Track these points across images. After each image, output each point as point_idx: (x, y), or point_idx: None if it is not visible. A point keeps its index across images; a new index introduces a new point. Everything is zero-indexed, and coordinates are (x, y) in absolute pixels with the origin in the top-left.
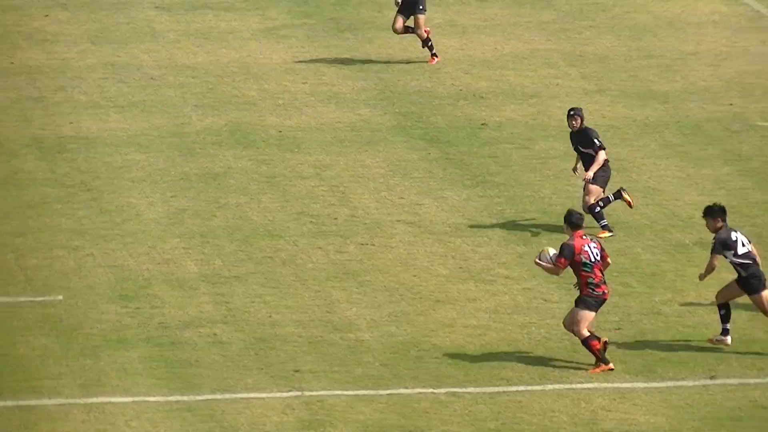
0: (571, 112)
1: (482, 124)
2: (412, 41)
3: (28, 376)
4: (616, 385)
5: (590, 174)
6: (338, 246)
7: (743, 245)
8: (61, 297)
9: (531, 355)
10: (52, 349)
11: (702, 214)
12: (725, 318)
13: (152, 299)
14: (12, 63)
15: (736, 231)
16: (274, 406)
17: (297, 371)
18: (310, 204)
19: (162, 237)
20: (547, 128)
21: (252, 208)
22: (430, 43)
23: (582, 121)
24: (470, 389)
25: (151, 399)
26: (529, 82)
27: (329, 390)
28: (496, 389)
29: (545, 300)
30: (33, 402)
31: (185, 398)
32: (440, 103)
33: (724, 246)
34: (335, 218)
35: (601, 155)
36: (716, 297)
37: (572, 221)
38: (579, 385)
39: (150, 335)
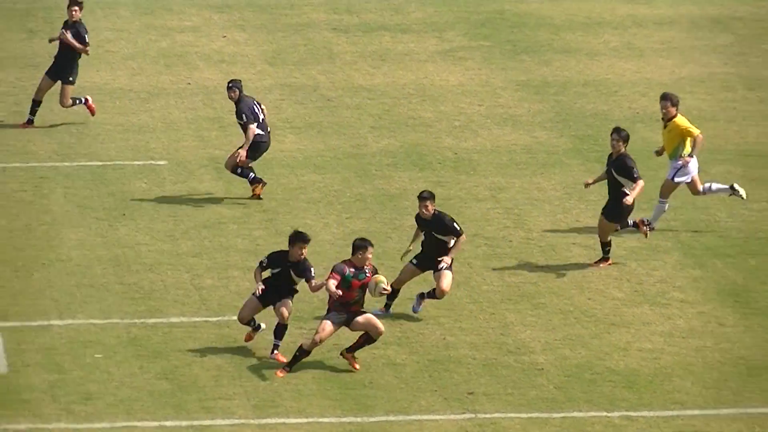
0: (229, 84)
1: (658, 151)
2: (590, 64)
3: (202, 396)
4: None
5: (242, 152)
6: (513, 268)
7: None
8: (236, 317)
9: (705, 378)
10: (226, 369)
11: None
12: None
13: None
14: (189, 84)
15: None
16: (448, 428)
17: (471, 393)
18: (485, 226)
19: (337, 258)
20: (724, 152)
21: None
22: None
23: (239, 92)
24: (644, 413)
25: (325, 420)
26: (706, 106)
27: (503, 412)
28: (670, 413)
29: (720, 324)
30: (206, 422)
31: (358, 419)
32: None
33: None
34: (510, 240)
35: (250, 131)
36: None
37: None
38: (753, 410)
39: (324, 356)
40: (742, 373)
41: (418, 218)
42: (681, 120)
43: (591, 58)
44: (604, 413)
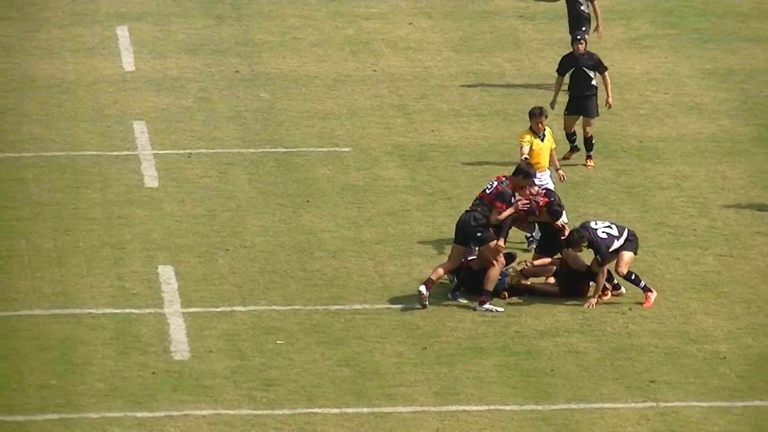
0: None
1: None
2: None
3: (383, 383)
4: None
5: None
6: (696, 257)
7: None
8: (418, 305)
9: None
10: (407, 356)
11: None
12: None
13: (509, 308)
14: (375, 71)
15: None
16: (629, 416)
17: (652, 382)
18: (669, 215)
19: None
20: None
21: (610, 218)
22: None
23: None
24: None
25: (506, 408)
26: None
27: (684, 401)
28: None
29: None
30: (388, 409)
31: (539, 407)
32: None
33: None
34: (694, 229)
35: None
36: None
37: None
38: None
39: (506, 344)
40: None
41: None
42: None
43: None
44: None
